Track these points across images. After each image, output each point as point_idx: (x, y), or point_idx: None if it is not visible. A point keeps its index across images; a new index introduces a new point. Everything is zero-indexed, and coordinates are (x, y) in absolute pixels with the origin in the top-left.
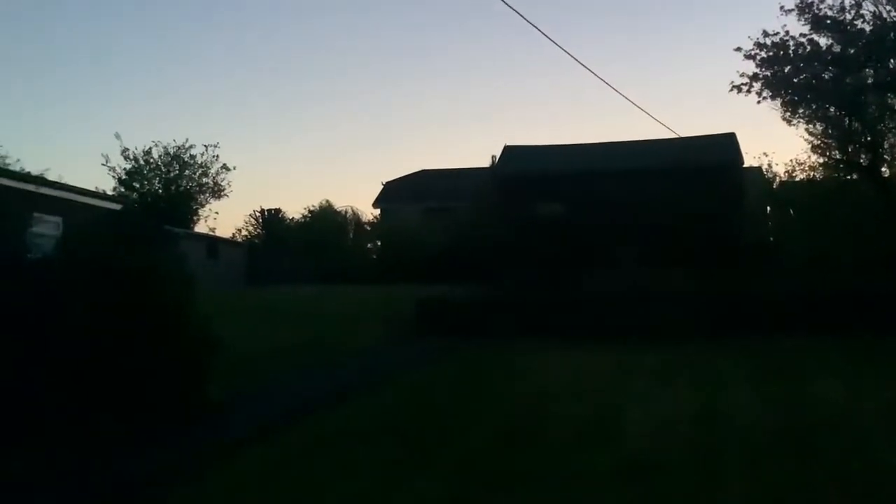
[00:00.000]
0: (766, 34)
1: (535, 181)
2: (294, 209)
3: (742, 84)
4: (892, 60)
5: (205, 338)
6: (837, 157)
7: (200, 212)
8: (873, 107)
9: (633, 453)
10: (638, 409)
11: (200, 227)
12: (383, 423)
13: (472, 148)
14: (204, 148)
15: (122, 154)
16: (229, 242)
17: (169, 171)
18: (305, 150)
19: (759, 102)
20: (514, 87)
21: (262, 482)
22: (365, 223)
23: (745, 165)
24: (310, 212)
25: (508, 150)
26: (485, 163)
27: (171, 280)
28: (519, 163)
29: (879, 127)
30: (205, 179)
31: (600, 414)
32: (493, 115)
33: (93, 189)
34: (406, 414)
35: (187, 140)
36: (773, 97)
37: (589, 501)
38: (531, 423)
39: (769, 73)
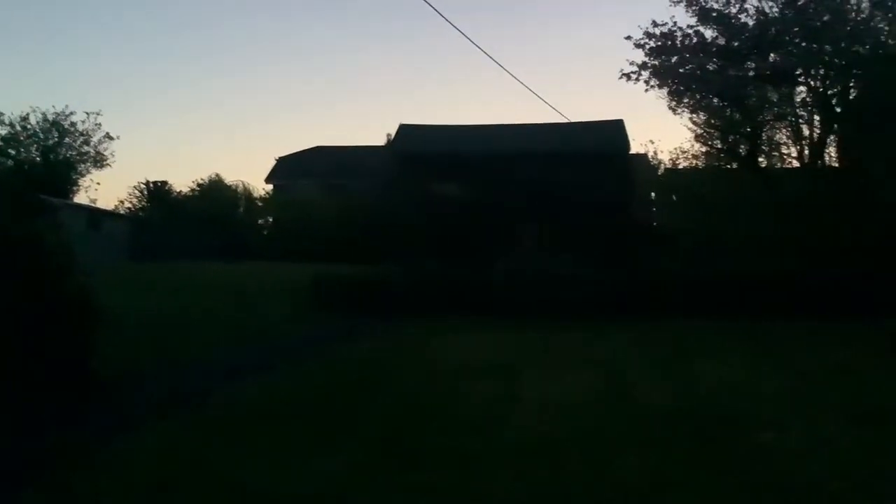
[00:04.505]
0: (655, 24)
1: (430, 160)
2: (182, 183)
3: (631, 72)
4: (772, 54)
5: (88, 311)
6: (719, 146)
7: (81, 182)
8: (754, 98)
9: (532, 432)
10: (537, 389)
11: (81, 198)
12: (278, 402)
13: (368, 126)
14: (86, 115)
15: None
16: (112, 215)
17: (47, 139)
18: (195, 123)
19: (647, 91)
20: (410, 66)
21: (148, 462)
22: (257, 198)
23: (632, 152)
24: (199, 185)
25: (404, 129)
26: (381, 141)
27: (51, 251)
28: (414, 142)
29: (759, 118)
30: (86, 148)
31: (507, 393)
32: (389, 94)
33: None
34: (300, 394)
35: (67, 107)
36: (660, 86)
37: (489, 477)
38: (425, 402)
39: (657, 63)
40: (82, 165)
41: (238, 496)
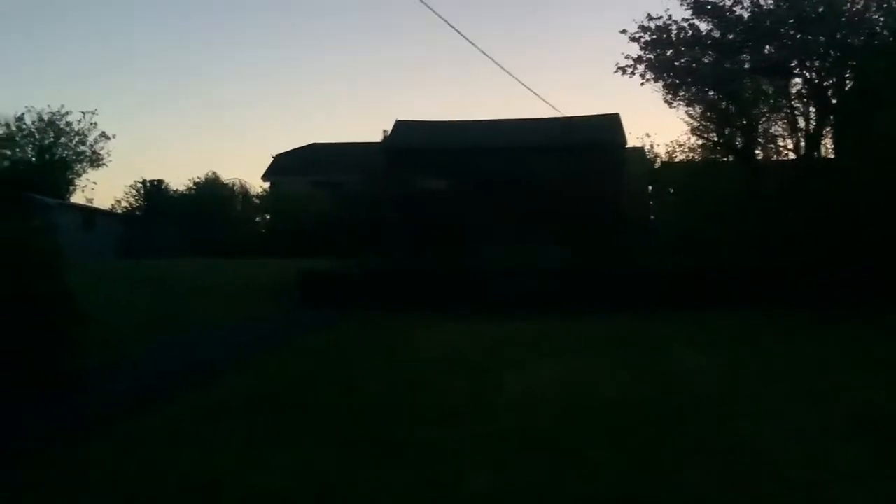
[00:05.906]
0: (650, 18)
1: (424, 156)
2: (179, 181)
3: (627, 66)
4: (767, 46)
5: (72, 311)
6: (715, 139)
7: (77, 182)
8: (749, 91)
9: (508, 423)
10: (517, 381)
11: (77, 198)
12: (258, 395)
13: (365, 122)
14: (81, 115)
15: None
16: (108, 214)
17: (43, 139)
18: (193, 121)
19: (642, 84)
20: (407, 63)
21: (120, 459)
22: (254, 196)
23: (628, 145)
24: (195, 183)
25: (400, 125)
26: (376, 137)
27: (38, 251)
28: (409, 138)
29: (754, 111)
30: (82, 148)
31: (480, 385)
32: (387, 91)
33: None
34: (283, 387)
35: (63, 106)
36: (655, 80)
37: (463, 468)
38: (411, 394)
39: (652, 56)
40: (78, 165)
41: (208, 491)
